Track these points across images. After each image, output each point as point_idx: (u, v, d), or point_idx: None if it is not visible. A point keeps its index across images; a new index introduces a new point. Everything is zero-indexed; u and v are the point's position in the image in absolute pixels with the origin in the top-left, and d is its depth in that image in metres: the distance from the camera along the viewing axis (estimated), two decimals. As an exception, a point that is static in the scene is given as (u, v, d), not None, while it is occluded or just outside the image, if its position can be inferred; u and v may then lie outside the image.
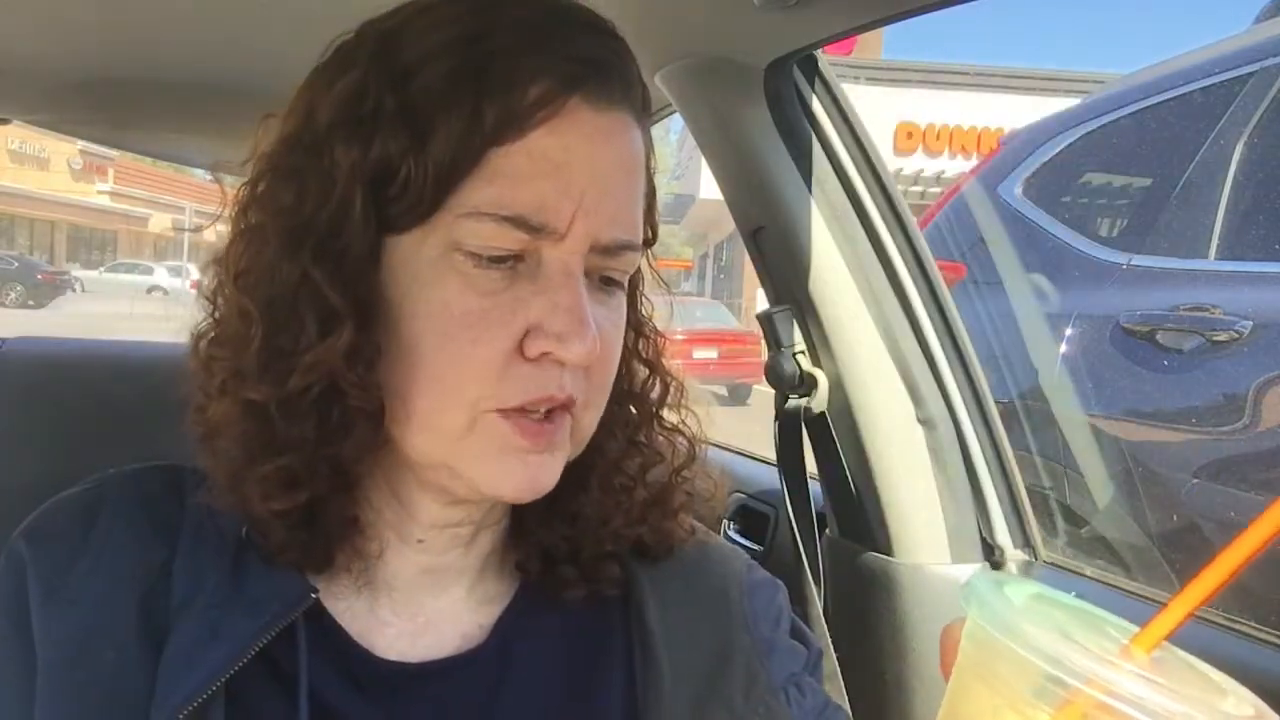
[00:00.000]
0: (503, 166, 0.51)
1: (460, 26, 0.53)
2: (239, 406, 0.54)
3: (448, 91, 0.52)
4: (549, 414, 0.55)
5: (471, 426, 0.53)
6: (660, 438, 0.67)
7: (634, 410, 0.66)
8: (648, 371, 0.66)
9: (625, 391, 0.65)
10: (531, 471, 0.55)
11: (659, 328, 0.68)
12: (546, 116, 0.52)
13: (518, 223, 0.51)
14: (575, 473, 0.60)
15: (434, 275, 0.53)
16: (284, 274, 0.53)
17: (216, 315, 0.58)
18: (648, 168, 0.59)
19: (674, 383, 0.67)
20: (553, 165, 0.52)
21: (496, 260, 0.52)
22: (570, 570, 0.63)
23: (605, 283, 0.57)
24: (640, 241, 0.58)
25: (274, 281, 0.54)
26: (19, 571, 0.57)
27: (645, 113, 0.58)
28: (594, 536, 0.63)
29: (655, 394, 0.67)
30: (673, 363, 0.68)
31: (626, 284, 0.60)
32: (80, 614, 0.56)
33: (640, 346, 0.66)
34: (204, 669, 0.53)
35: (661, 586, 0.65)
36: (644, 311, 0.67)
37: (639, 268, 0.62)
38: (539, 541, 0.63)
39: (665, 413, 0.67)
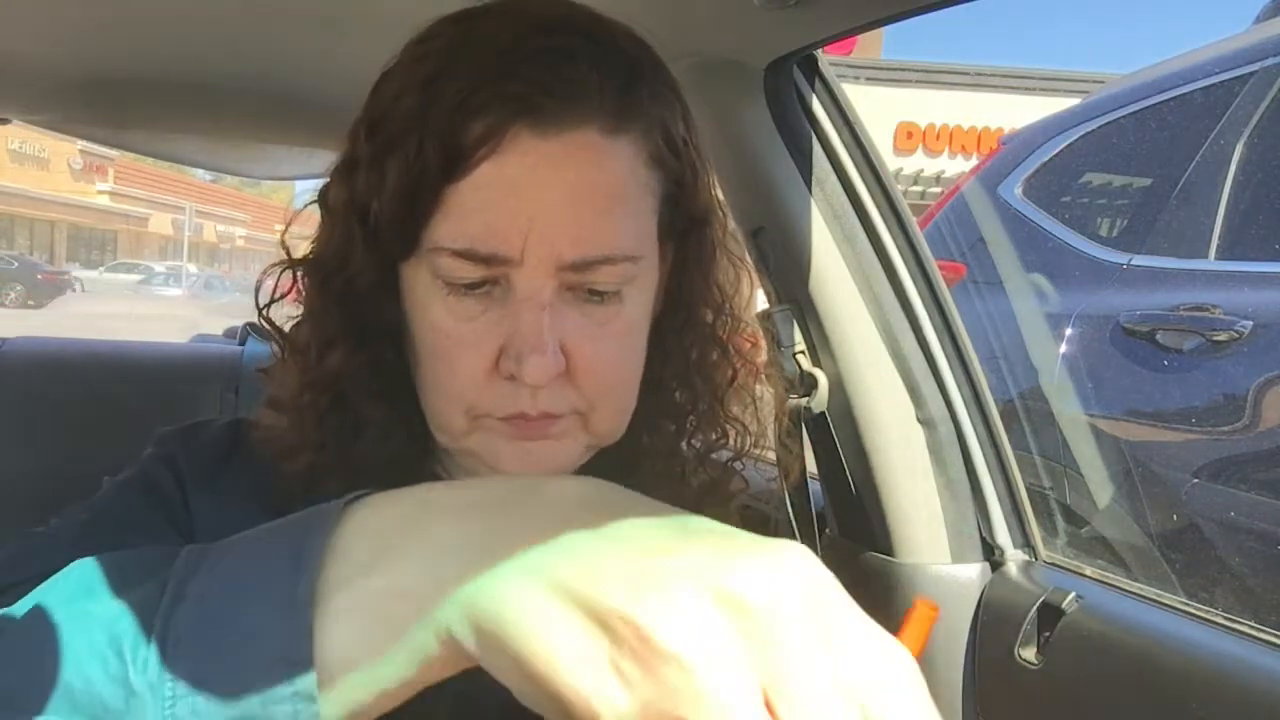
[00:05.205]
0: (456, 202, 0.54)
1: (423, 67, 0.55)
2: (275, 418, 0.63)
3: (398, 136, 0.55)
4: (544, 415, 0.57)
5: (472, 427, 0.58)
6: (724, 423, 0.67)
7: (700, 388, 0.66)
8: (719, 352, 0.66)
9: (693, 370, 0.65)
10: (535, 457, 0.58)
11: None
12: (489, 151, 0.53)
13: (468, 255, 0.54)
14: (624, 456, 0.63)
15: (426, 300, 0.57)
16: (306, 305, 0.62)
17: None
18: (672, 164, 0.58)
19: (744, 367, 0.67)
20: (498, 196, 0.53)
21: (469, 288, 0.56)
22: None
23: (594, 294, 0.56)
24: (623, 253, 0.56)
25: (301, 314, 0.63)
26: (170, 457, 0.63)
27: (627, 121, 0.55)
28: None
29: (723, 376, 0.66)
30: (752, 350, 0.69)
31: (639, 290, 0.58)
32: (221, 513, 0.60)
33: (717, 325, 0.66)
34: None
35: None
36: (727, 290, 0.66)
37: (712, 245, 0.64)
38: None
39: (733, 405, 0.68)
